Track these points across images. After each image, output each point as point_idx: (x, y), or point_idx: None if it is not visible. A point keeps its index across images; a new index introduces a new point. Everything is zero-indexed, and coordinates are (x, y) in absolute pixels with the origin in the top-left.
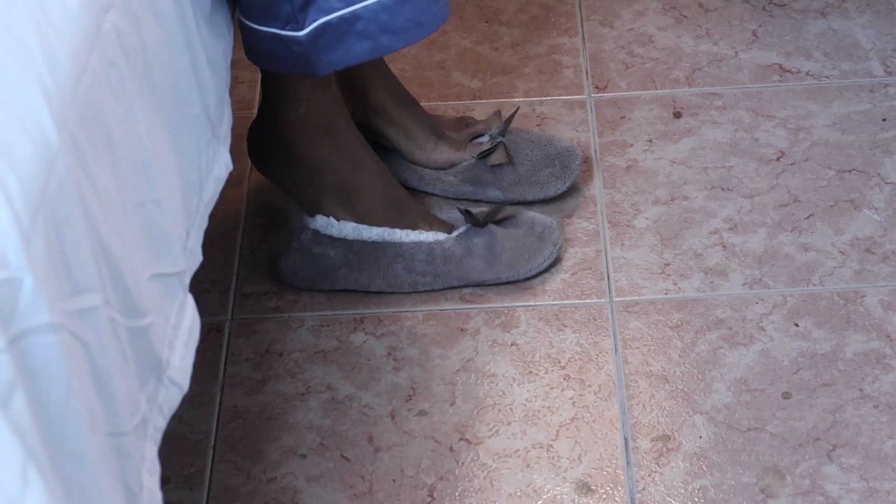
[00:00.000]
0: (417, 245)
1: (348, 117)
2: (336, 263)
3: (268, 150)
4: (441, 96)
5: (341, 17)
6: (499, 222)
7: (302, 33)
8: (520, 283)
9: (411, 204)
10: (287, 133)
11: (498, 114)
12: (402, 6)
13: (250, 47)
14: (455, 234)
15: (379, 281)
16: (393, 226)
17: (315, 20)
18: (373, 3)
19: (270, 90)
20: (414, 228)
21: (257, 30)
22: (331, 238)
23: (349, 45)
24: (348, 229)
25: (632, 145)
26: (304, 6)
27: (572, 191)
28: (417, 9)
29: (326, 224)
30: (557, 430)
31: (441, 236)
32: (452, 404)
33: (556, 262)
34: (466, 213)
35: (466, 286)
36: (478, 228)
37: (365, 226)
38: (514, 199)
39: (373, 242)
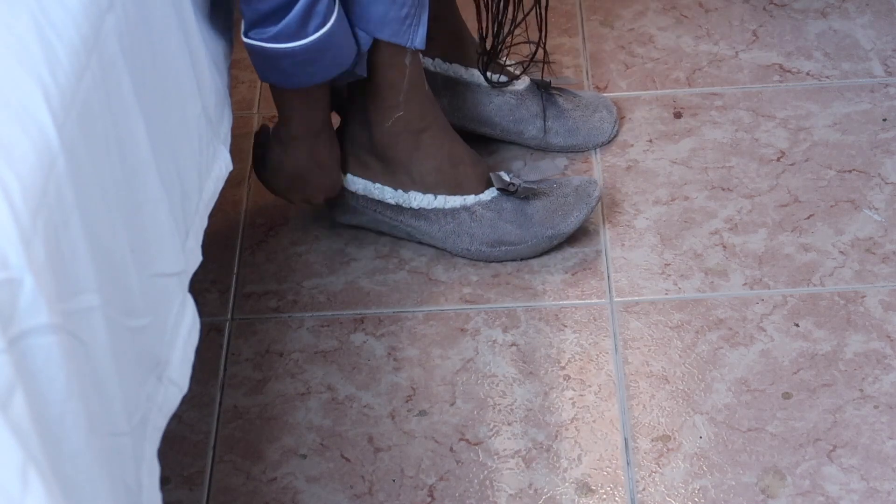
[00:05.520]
0: (463, 208)
1: (439, 110)
2: (379, 220)
3: (361, 160)
4: None
5: None
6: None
7: None
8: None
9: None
10: (383, 139)
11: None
12: None
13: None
14: (489, 197)
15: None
16: (465, 194)
17: None
18: None
19: (360, 101)
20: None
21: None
22: (372, 199)
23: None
24: (388, 194)
25: (632, 145)
26: None
27: None
28: None
29: (366, 186)
30: (557, 431)
31: (470, 199)
32: (452, 404)
33: (594, 215)
34: (503, 188)
35: (511, 259)
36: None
37: (414, 193)
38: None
39: (420, 208)
